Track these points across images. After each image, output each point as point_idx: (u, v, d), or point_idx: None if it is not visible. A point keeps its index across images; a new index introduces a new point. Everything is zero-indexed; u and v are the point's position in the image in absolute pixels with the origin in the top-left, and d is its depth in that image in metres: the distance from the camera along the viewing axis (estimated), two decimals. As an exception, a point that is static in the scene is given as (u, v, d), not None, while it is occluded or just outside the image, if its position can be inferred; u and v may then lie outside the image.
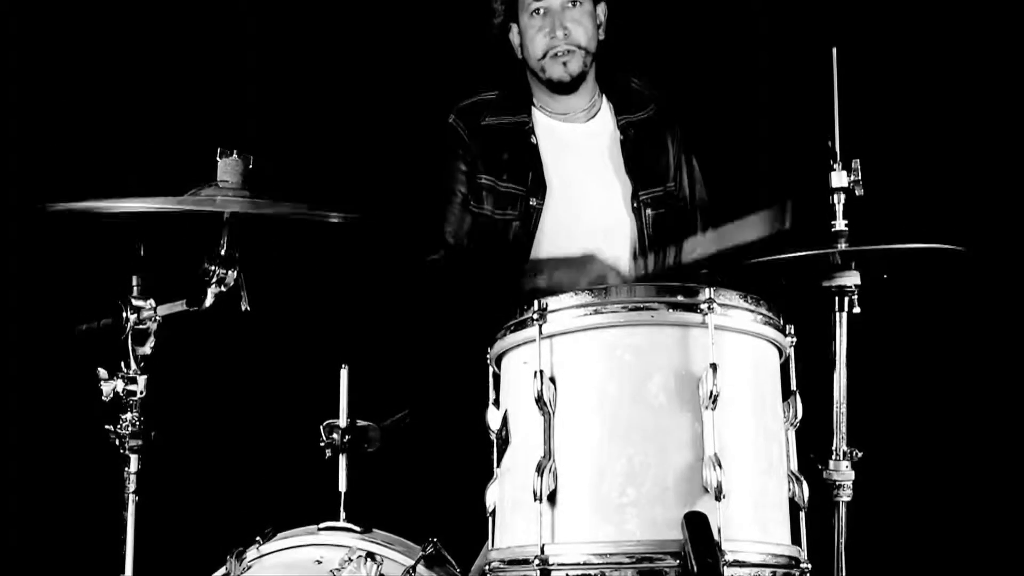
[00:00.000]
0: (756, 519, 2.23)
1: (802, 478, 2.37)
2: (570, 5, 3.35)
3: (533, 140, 3.41)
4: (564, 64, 3.35)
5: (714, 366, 2.18)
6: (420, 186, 3.48)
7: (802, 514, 2.37)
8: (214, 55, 4.00)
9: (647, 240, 3.39)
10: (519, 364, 2.38)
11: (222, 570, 2.67)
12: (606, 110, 3.52)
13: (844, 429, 2.73)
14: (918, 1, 3.98)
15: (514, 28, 3.47)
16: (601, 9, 3.46)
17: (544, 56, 3.36)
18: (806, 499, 2.35)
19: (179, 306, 2.62)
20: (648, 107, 3.52)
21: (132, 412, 2.59)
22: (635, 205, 3.39)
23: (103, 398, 2.57)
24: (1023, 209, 3.90)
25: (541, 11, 3.36)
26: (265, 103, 3.95)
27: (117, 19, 3.97)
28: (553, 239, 3.35)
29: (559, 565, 2.21)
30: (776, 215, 2.84)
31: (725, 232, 2.98)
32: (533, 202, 3.34)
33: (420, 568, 2.65)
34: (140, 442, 2.59)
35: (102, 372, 2.59)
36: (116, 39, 3.96)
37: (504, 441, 2.38)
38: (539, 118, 3.46)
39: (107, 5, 3.97)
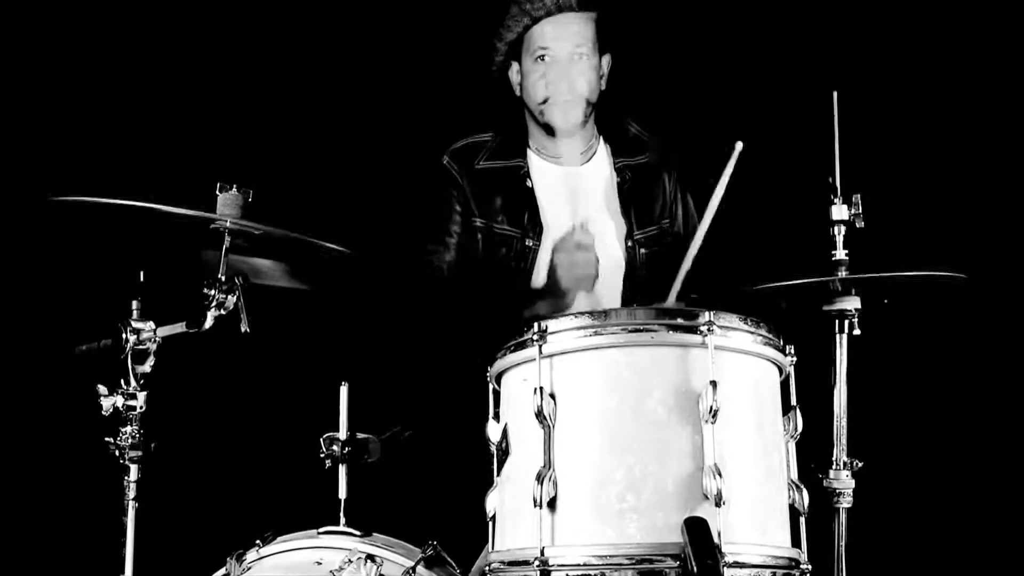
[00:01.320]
0: (756, 524, 2.30)
1: (802, 486, 2.43)
2: (577, 58, 3.41)
3: (528, 184, 3.48)
4: (564, 113, 3.42)
5: (714, 383, 2.24)
6: (416, 221, 3.54)
7: (802, 519, 2.43)
8: (214, 94, 4.09)
9: (639, 278, 3.45)
10: (519, 381, 2.44)
11: (222, 571, 2.73)
12: (603, 152, 3.60)
13: (844, 441, 2.86)
14: (914, 44, 4.08)
15: (515, 66, 3.53)
16: (605, 61, 3.52)
17: (545, 102, 3.43)
18: (806, 505, 2.42)
19: (179, 328, 2.67)
20: (645, 151, 3.57)
21: (132, 425, 2.64)
22: (629, 244, 3.46)
23: (103, 412, 2.62)
24: (1014, 236, 4.01)
25: (547, 59, 3.42)
26: (266, 141, 4.04)
27: (113, 56, 4.05)
28: (548, 274, 3.35)
29: (559, 566, 2.25)
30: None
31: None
32: (529, 242, 3.41)
33: (420, 569, 2.68)
34: (140, 453, 2.64)
35: (102, 389, 2.64)
36: (115, 80, 4.05)
37: (504, 452, 2.43)
38: (534, 161, 3.53)
39: (102, 43, 4.05)
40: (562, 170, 3.55)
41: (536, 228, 3.43)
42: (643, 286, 3.45)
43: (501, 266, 3.43)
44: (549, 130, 3.48)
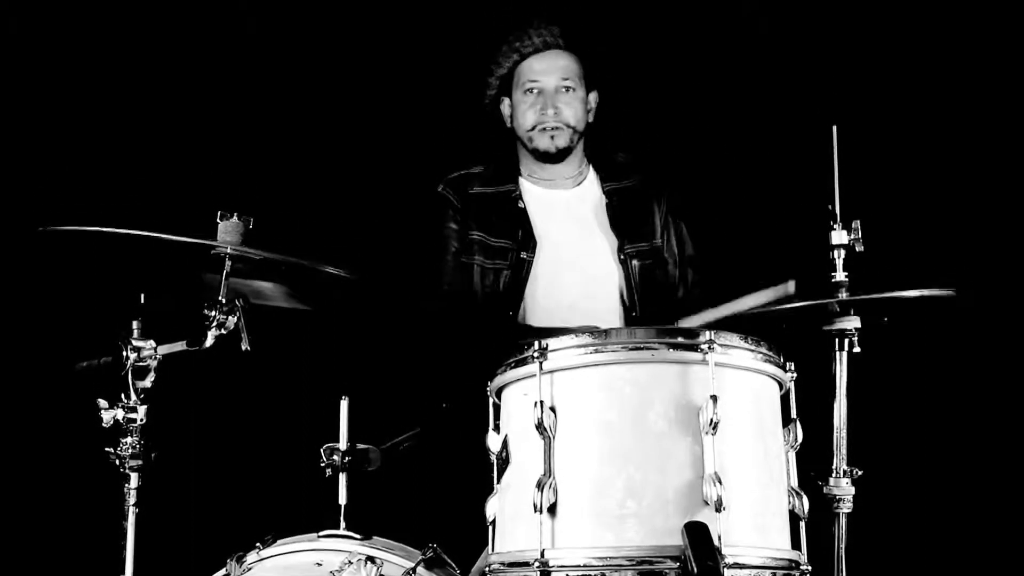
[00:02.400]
0: (756, 527, 2.36)
1: (802, 493, 2.51)
2: (563, 90, 3.59)
3: (521, 205, 3.62)
4: (552, 137, 3.58)
5: (714, 397, 2.29)
6: (416, 244, 3.66)
7: (802, 524, 2.51)
8: (216, 124, 4.20)
9: (635, 288, 3.55)
10: (519, 396, 2.49)
11: (222, 571, 2.77)
12: (592, 178, 3.74)
13: (844, 451, 2.95)
14: (908, 78, 4.23)
15: (506, 101, 3.69)
16: (593, 97, 3.69)
17: (533, 128, 3.59)
18: (806, 511, 2.51)
19: (179, 346, 2.72)
20: (632, 177, 3.70)
21: (132, 437, 2.69)
22: (622, 257, 3.57)
23: (103, 425, 2.68)
24: (1006, 257, 4.14)
25: (535, 90, 3.59)
26: (272, 170, 4.16)
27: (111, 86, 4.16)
28: (545, 287, 3.52)
29: (559, 567, 2.29)
30: (780, 290, 3.02)
31: (730, 305, 3.15)
32: (524, 255, 3.53)
33: (420, 570, 2.69)
34: (140, 462, 2.70)
35: (102, 402, 2.69)
36: (116, 114, 4.15)
37: (504, 461, 2.48)
38: (526, 186, 3.68)
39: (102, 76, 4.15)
40: (553, 192, 3.69)
41: (530, 243, 3.56)
42: (640, 298, 3.57)
43: (497, 275, 3.55)
44: (539, 155, 3.63)
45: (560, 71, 3.61)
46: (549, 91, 3.60)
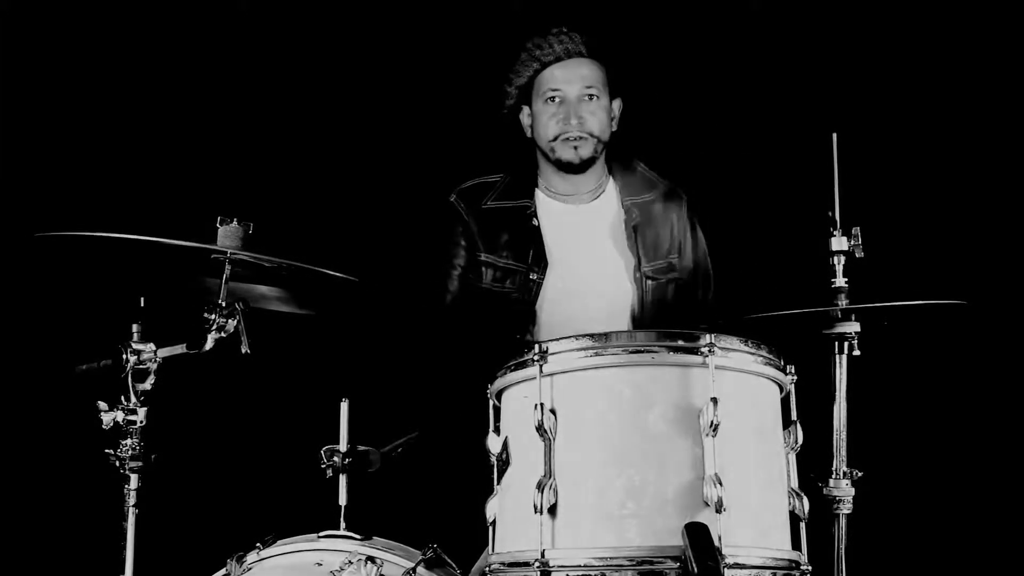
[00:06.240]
0: (757, 528, 2.36)
1: (802, 494, 2.51)
2: (587, 98, 3.49)
3: (535, 222, 3.55)
4: (575, 148, 3.49)
5: (714, 400, 2.28)
6: (421, 254, 3.63)
7: (802, 525, 2.51)
8: (224, 126, 4.20)
9: (647, 307, 3.50)
10: (520, 398, 2.48)
11: (222, 571, 2.77)
12: (611, 190, 3.65)
13: (844, 453, 2.98)
14: (907, 86, 4.27)
15: (525, 110, 3.60)
16: (616, 104, 3.60)
17: (556, 139, 3.50)
18: (806, 512, 2.50)
19: (179, 349, 2.73)
20: (653, 190, 3.61)
21: (132, 438, 2.72)
22: (637, 276, 3.51)
23: (103, 427, 2.71)
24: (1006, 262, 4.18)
25: (557, 99, 3.50)
26: (278, 175, 4.17)
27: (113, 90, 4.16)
28: (554, 307, 3.47)
29: (559, 567, 2.29)
30: None
31: None
32: (533, 276, 3.48)
33: (420, 570, 2.69)
34: (140, 464, 2.71)
35: (102, 404, 2.71)
36: (119, 117, 4.16)
37: (504, 463, 2.48)
38: (542, 200, 3.60)
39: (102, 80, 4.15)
40: (570, 207, 3.62)
41: (540, 263, 3.50)
42: (649, 316, 3.51)
43: (504, 297, 3.51)
44: (560, 166, 3.54)
45: (583, 80, 3.51)
46: (572, 100, 3.51)
